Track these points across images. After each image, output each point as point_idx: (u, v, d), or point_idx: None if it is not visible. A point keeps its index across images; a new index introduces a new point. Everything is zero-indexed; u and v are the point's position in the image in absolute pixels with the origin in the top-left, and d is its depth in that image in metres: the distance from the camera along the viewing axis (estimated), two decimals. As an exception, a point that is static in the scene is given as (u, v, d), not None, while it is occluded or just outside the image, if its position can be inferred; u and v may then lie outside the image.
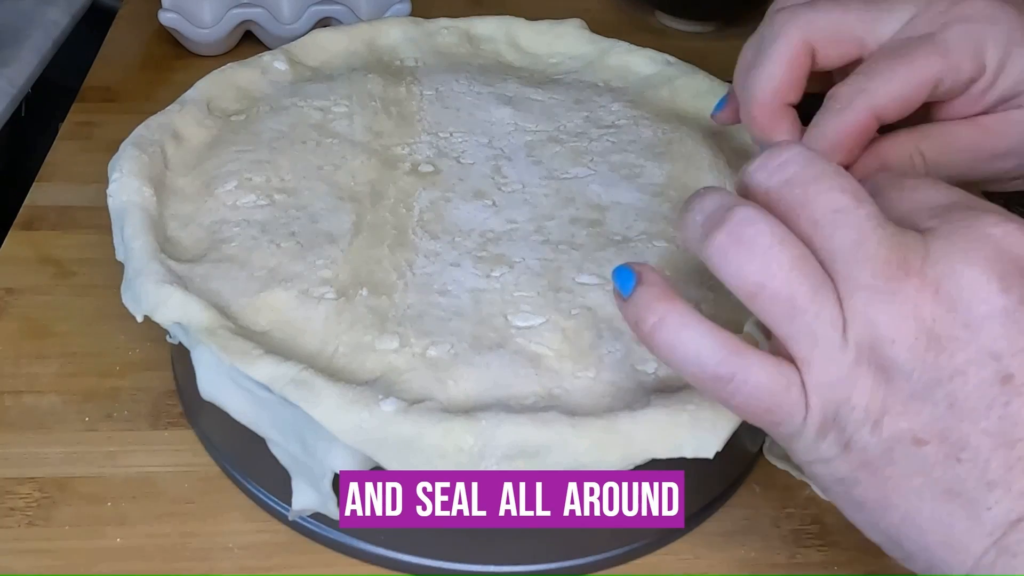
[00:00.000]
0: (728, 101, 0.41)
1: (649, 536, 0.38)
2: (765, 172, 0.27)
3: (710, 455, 0.31)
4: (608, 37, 0.55)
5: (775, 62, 0.36)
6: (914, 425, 0.25)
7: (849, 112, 0.34)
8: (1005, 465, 0.24)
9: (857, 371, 0.26)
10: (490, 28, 0.55)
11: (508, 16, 0.56)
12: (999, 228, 0.25)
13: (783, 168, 0.27)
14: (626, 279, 0.28)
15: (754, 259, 0.26)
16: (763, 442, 0.42)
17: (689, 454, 0.31)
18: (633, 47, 0.54)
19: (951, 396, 0.25)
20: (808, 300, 0.26)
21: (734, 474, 0.41)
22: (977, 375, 0.25)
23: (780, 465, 0.41)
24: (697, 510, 0.39)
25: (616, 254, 0.38)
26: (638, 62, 0.53)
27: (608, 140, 0.46)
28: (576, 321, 0.35)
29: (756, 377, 0.26)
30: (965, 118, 0.36)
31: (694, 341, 0.27)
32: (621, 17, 0.78)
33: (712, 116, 0.43)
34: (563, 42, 0.55)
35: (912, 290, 0.25)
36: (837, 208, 0.26)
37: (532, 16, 0.56)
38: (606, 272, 0.37)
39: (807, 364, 0.26)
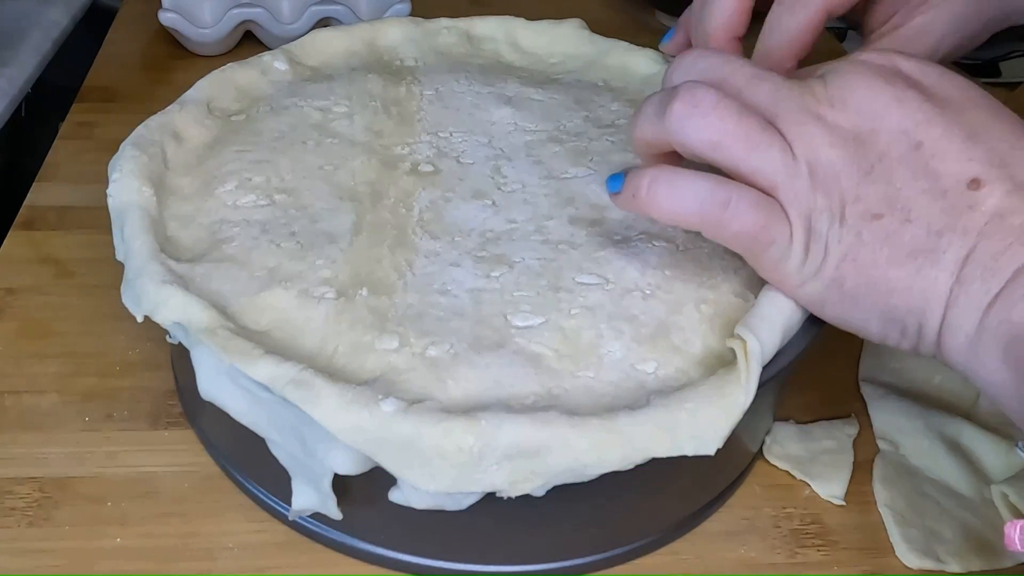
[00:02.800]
0: (676, 32, 0.48)
1: (649, 536, 0.38)
2: (682, 69, 0.34)
3: (711, 453, 0.31)
4: (608, 37, 0.55)
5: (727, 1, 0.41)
6: (868, 205, 0.31)
7: (803, 10, 0.39)
8: (944, 212, 0.30)
9: (813, 182, 0.31)
10: (490, 28, 0.56)
11: (508, 16, 0.56)
12: (866, 55, 0.33)
13: (696, 61, 0.34)
14: (614, 179, 0.35)
15: (708, 115, 0.31)
16: (763, 442, 0.42)
17: (690, 452, 0.31)
18: (633, 47, 0.54)
19: (886, 173, 0.30)
20: (759, 134, 0.31)
21: (734, 474, 0.40)
22: (896, 150, 0.31)
23: (780, 465, 0.42)
24: (697, 510, 0.39)
25: (616, 254, 0.38)
26: (638, 62, 0.53)
27: (608, 140, 0.46)
28: (576, 321, 0.35)
29: (748, 197, 0.31)
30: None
31: (689, 181, 0.32)
32: (621, 17, 0.78)
33: (661, 46, 0.50)
34: (563, 42, 0.55)
35: (827, 111, 0.31)
36: (753, 75, 0.33)
37: (532, 16, 0.56)
38: (606, 272, 0.37)
39: (775, 188, 0.31)
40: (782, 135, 0.32)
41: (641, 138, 0.35)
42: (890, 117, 0.31)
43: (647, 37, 0.56)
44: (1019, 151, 0.30)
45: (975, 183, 0.30)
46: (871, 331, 0.32)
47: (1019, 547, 0.29)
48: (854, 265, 0.31)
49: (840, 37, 0.79)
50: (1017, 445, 0.30)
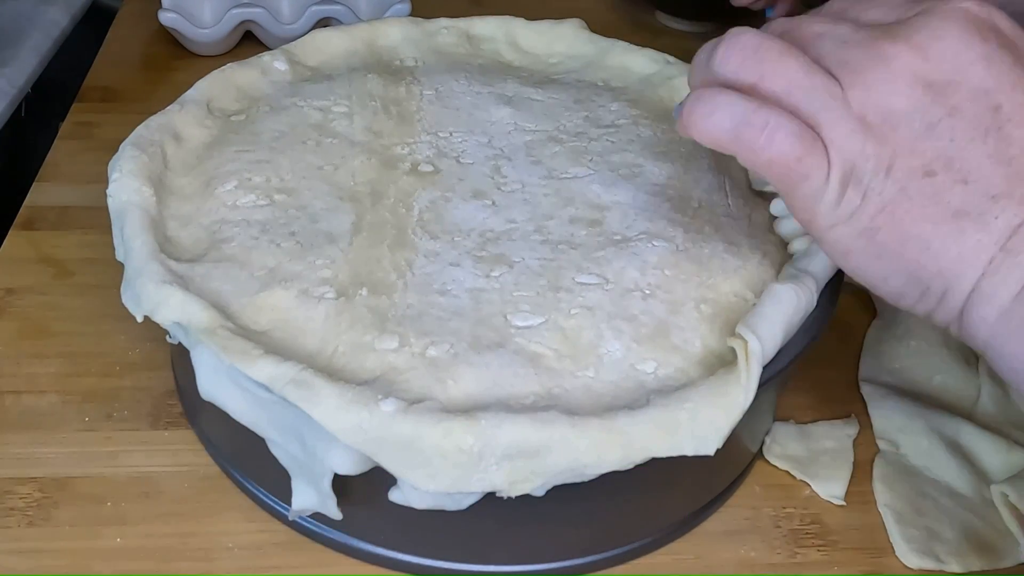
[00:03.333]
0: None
1: (649, 536, 0.38)
2: (738, 51, 0.32)
3: (711, 452, 0.31)
4: (608, 37, 0.55)
5: None
6: (924, 160, 0.29)
7: None
8: (1005, 178, 0.29)
9: (864, 127, 0.30)
10: (490, 28, 0.55)
11: (508, 16, 0.56)
12: (966, 3, 0.30)
13: (771, 25, 0.33)
14: (679, 106, 0.32)
15: (748, 56, 0.31)
16: (763, 442, 0.42)
17: (690, 452, 0.31)
18: (632, 47, 0.54)
19: (952, 130, 0.29)
20: (803, 74, 0.30)
21: (734, 474, 0.40)
22: (972, 109, 0.29)
23: (780, 465, 0.42)
24: (697, 510, 0.39)
25: (616, 254, 0.38)
26: (637, 62, 0.53)
27: (608, 140, 0.46)
28: (576, 321, 0.35)
29: (788, 125, 0.30)
30: None
31: (728, 100, 0.30)
32: (621, 17, 0.78)
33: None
34: (563, 42, 0.55)
35: (905, 54, 0.29)
36: (819, 32, 0.31)
37: (532, 16, 0.56)
38: (606, 272, 0.37)
39: (819, 126, 0.30)
40: (837, 80, 0.30)
41: (692, 86, 0.33)
42: (975, 73, 0.29)
43: (647, 37, 0.56)
44: None
45: None
46: (889, 288, 0.31)
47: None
48: (891, 218, 0.30)
49: None
50: None
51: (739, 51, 0.31)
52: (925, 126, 0.29)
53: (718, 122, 0.31)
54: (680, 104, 0.32)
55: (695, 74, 0.33)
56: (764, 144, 0.30)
